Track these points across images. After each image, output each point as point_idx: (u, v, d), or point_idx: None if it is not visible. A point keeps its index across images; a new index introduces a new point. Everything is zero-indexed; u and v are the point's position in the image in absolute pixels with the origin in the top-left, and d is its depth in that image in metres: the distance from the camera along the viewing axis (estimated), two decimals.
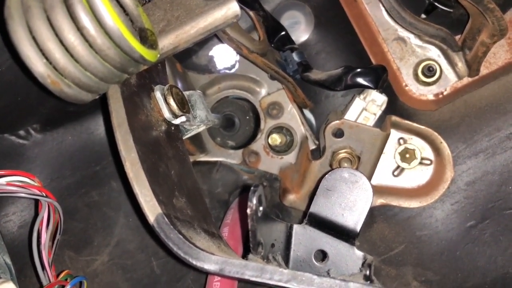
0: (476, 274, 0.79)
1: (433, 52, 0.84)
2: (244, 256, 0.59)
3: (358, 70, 0.79)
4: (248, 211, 0.54)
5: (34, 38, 0.51)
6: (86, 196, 0.84)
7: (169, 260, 0.82)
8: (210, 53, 0.90)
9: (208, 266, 0.54)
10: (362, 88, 0.81)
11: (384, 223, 0.84)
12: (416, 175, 0.84)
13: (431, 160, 0.84)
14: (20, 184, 0.69)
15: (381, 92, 0.83)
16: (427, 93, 0.84)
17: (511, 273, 0.78)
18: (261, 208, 0.57)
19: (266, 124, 0.89)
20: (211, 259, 0.54)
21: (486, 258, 0.79)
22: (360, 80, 0.79)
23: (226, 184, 0.89)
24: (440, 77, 0.84)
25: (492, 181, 0.80)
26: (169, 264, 0.83)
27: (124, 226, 0.84)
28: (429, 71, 0.83)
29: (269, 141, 0.89)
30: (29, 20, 0.51)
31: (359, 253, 0.65)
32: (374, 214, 0.83)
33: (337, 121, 0.82)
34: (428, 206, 0.82)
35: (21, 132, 0.82)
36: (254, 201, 0.54)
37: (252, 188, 0.54)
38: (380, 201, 0.84)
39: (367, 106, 0.82)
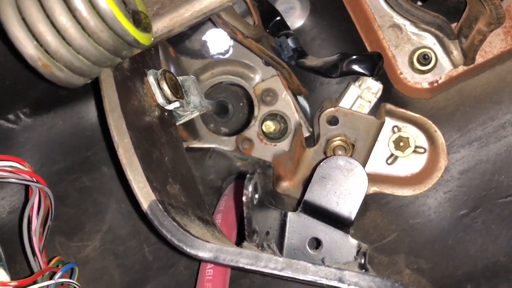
0: (468, 262, 0.79)
1: (429, 40, 0.83)
2: (239, 243, 0.58)
3: (354, 57, 0.78)
4: (244, 198, 0.53)
5: (24, 20, 0.50)
6: (77, 182, 0.83)
7: (161, 247, 0.82)
8: (204, 38, 0.88)
9: (202, 254, 0.53)
10: (357, 75, 0.80)
11: (377, 211, 0.84)
12: (410, 164, 0.84)
13: (425, 149, 0.83)
14: (10, 169, 0.67)
15: (376, 80, 0.82)
16: (422, 81, 0.84)
17: (502, 261, 0.79)
18: (256, 196, 0.56)
19: (260, 111, 0.88)
20: (206, 246, 0.53)
21: (478, 246, 0.79)
22: (356, 67, 0.78)
23: (219, 171, 0.89)
24: (435, 65, 0.83)
25: (485, 170, 0.80)
26: (161, 250, 0.82)
27: (116, 212, 0.83)
28: (424, 59, 0.83)
29: (263, 128, 0.88)
30: (19, 0, 0.49)
31: (354, 241, 0.65)
32: (367, 202, 0.83)
33: (332, 109, 0.81)
34: (421, 194, 0.82)
35: (11, 116, 0.81)
36: (250, 188, 0.53)
37: (248, 175, 0.53)
38: (373, 189, 0.83)
39: (362, 94, 0.82)
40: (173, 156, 0.66)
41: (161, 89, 0.66)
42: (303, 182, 0.85)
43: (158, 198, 0.55)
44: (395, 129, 0.84)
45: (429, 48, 0.83)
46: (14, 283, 0.66)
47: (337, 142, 0.82)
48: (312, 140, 0.87)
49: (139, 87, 0.64)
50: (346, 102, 0.82)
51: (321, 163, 0.66)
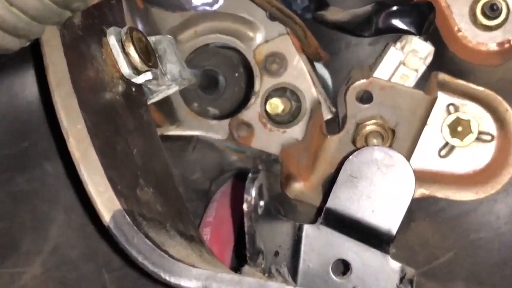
0: None
1: None
2: (237, 268, 0.59)
3: (395, 8, 0.78)
4: (245, 207, 0.54)
5: None
6: (10, 184, 0.84)
7: (127, 273, 0.83)
8: None
9: (187, 283, 0.54)
10: (399, 33, 0.81)
11: (426, 222, 0.85)
12: (472, 156, 0.84)
13: (492, 135, 0.84)
14: None
15: (425, 40, 0.82)
16: (489, 41, 0.84)
17: None
18: (261, 203, 0.57)
19: (263, 84, 0.88)
20: (191, 273, 0.54)
21: None
22: (397, 22, 0.78)
23: (206, 168, 0.90)
24: (506, 19, 0.83)
25: None
26: (128, 278, 0.83)
27: (64, 226, 0.84)
28: (491, 10, 0.83)
29: (267, 108, 0.88)
30: None
31: (396, 264, 0.66)
32: (412, 209, 0.83)
33: (364, 80, 0.81)
34: (487, 198, 0.83)
35: None
36: (253, 193, 0.53)
37: (250, 175, 0.54)
38: (421, 191, 0.84)
39: (405, 59, 0.82)
40: (144, 148, 0.66)
41: (126, 54, 0.66)
42: (323, 183, 0.86)
43: (125, 207, 0.56)
44: (451, 108, 0.84)
45: None
46: None
47: (370, 127, 0.82)
48: (336, 125, 0.87)
49: (96, 52, 0.64)
50: (383, 71, 0.82)
51: (350, 157, 0.67)
